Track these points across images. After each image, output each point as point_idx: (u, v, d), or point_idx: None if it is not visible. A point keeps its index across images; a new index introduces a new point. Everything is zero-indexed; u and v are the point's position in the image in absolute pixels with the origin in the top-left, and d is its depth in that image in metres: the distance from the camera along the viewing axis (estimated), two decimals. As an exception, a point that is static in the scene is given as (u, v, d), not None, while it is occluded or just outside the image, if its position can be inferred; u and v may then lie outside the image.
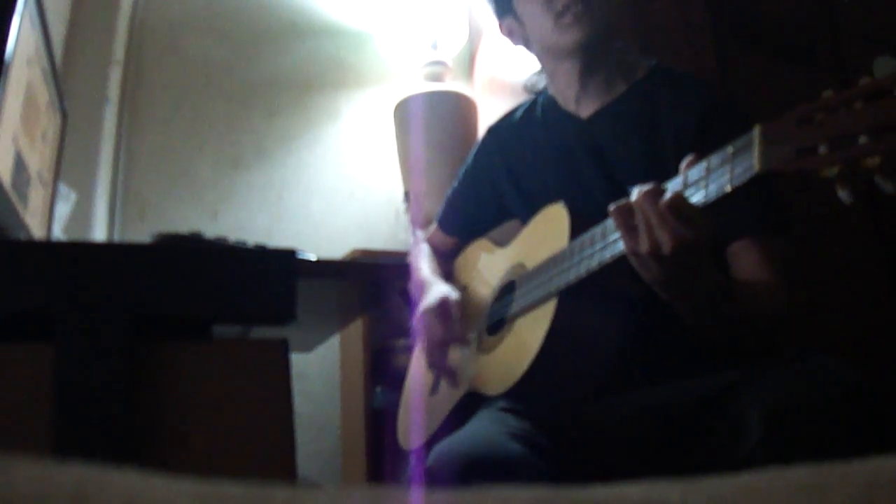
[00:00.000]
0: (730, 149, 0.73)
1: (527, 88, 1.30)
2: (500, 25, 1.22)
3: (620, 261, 0.84)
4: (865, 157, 0.61)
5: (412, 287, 1.27)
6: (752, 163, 0.69)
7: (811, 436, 0.73)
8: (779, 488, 0.22)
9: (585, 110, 1.13)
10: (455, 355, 1.15)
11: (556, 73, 1.16)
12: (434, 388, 1.20)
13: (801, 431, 0.74)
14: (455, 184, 1.33)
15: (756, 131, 0.70)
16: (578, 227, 0.95)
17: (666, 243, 0.76)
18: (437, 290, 1.18)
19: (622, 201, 0.80)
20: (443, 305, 1.14)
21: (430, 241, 1.38)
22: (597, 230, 0.90)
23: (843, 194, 0.64)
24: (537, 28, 1.12)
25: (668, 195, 0.76)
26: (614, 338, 0.94)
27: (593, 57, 1.10)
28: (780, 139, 0.68)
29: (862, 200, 1.78)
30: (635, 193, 0.79)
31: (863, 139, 0.61)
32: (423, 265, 1.29)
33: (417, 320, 1.16)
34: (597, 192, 1.06)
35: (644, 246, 0.78)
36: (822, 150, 0.64)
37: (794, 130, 0.66)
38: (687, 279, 0.80)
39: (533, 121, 1.21)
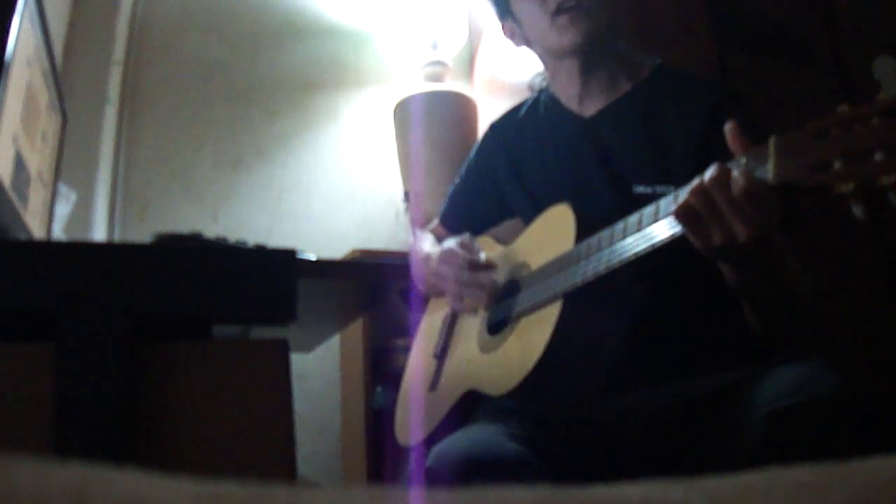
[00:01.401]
0: (743, 159, 0.73)
1: (531, 88, 1.30)
2: (503, 27, 1.22)
3: (628, 265, 0.84)
4: (881, 175, 0.60)
5: (414, 273, 1.25)
6: (767, 175, 0.69)
7: (811, 436, 0.73)
8: (779, 488, 0.22)
9: (588, 109, 1.13)
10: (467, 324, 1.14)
11: (558, 73, 1.16)
12: (433, 385, 1.20)
13: (801, 431, 0.74)
14: (457, 180, 1.33)
15: (771, 143, 0.69)
16: (584, 228, 0.95)
17: (741, 233, 0.72)
18: (447, 242, 1.17)
19: (682, 199, 0.75)
20: (461, 243, 1.13)
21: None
22: (605, 233, 0.89)
23: (856, 209, 0.64)
24: (535, 29, 1.12)
25: (740, 180, 0.71)
26: (617, 339, 0.94)
27: (593, 56, 1.10)
28: (795, 153, 0.67)
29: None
30: (697, 183, 0.74)
31: (878, 156, 0.60)
32: (425, 245, 1.27)
33: (433, 274, 1.15)
34: (601, 190, 1.06)
35: (717, 240, 0.74)
36: (837, 165, 0.63)
37: (809, 144, 0.65)
38: (753, 254, 0.77)
39: (536, 119, 1.21)
